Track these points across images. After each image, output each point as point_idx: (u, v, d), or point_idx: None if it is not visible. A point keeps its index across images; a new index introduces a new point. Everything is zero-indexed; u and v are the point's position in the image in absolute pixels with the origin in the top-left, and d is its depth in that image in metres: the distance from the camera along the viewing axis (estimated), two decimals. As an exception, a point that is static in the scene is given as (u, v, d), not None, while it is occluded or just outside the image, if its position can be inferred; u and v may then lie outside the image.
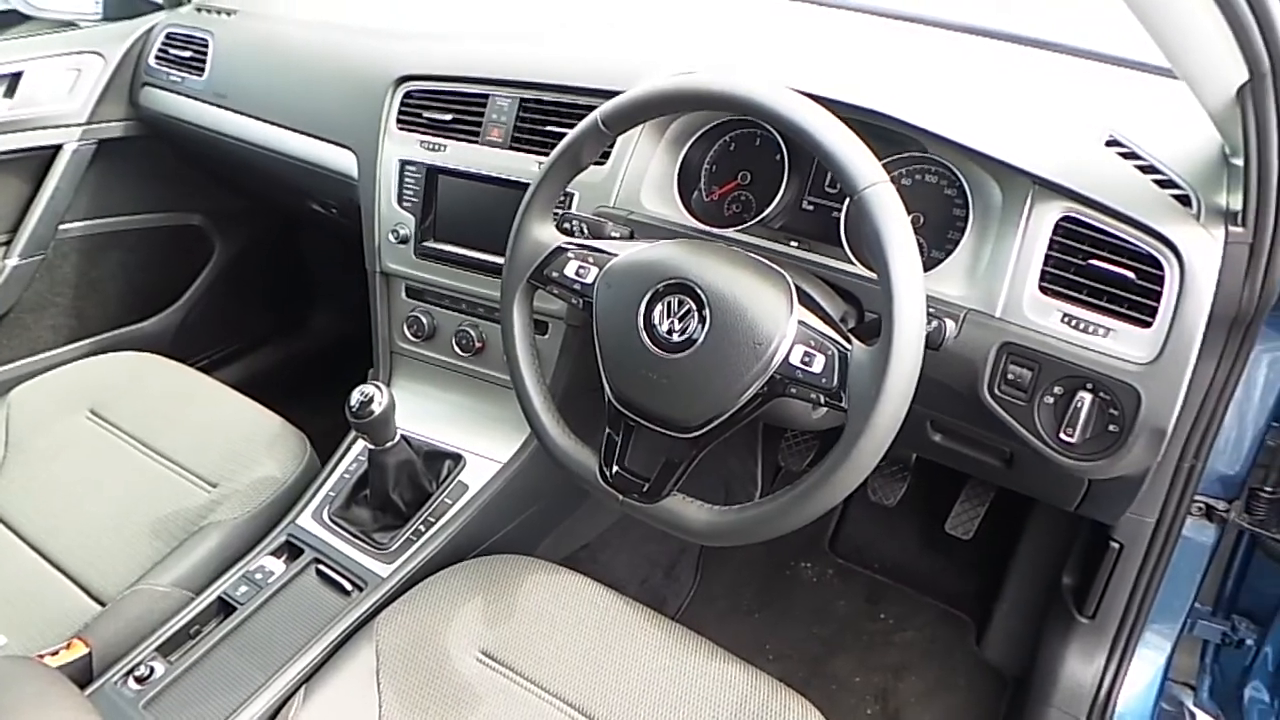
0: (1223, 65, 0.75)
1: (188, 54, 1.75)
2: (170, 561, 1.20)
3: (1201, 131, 0.91)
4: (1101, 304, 0.91)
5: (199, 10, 1.82)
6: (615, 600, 1.11)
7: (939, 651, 1.70)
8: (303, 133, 1.56)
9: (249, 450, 1.37)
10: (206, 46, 1.73)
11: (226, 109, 1.68)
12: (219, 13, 1.77)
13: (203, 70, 1.72)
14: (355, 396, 1.14)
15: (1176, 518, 1.15)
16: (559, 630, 1.07)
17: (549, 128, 1.26)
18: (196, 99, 1.73)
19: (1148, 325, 0.89)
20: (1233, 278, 0.88)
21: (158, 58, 1.81)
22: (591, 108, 0.97)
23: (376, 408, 1.14)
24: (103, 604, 1.17)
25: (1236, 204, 0.88)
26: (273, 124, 1.61)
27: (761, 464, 1.88)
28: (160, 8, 1.89)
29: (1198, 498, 1.20)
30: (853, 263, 1.06)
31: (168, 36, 1.81)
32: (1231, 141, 0.87)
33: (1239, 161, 0.84)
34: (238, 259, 2.17)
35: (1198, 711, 1.45)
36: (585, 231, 1.10)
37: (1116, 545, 1.23)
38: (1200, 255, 0.87)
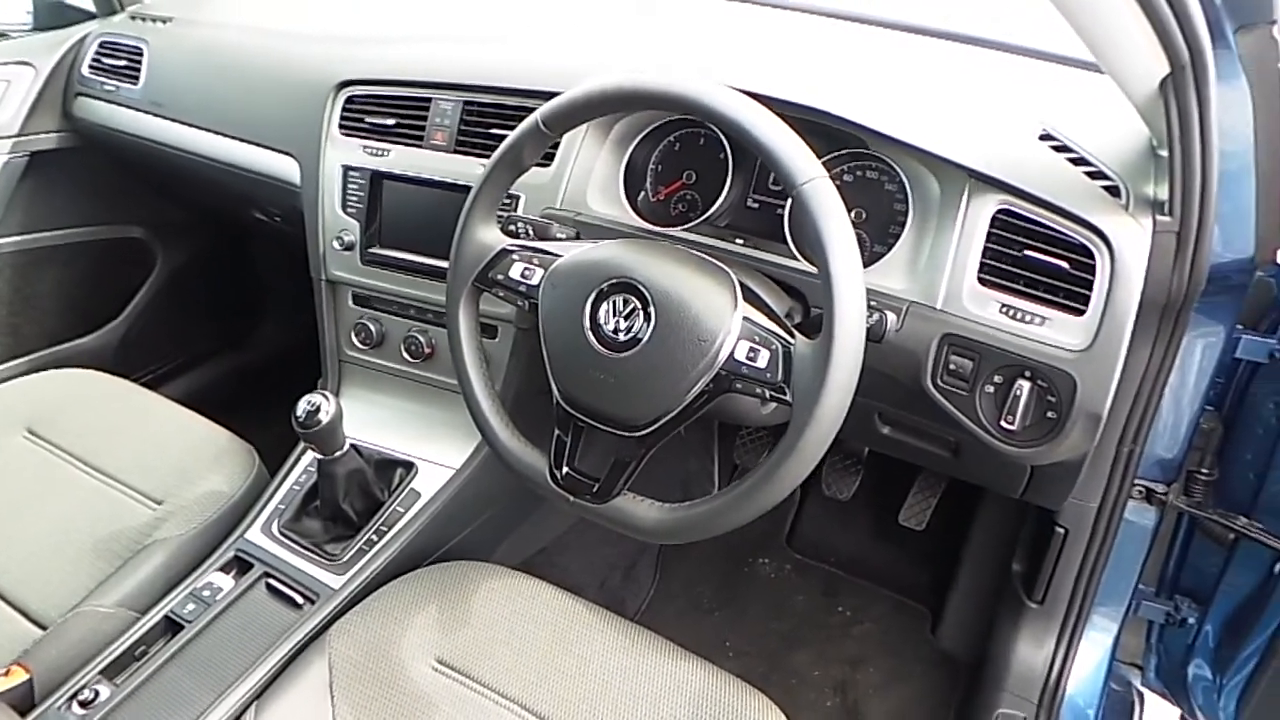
0: (1145, 59, 0.77)
1: (122, 62, 1.72)
2: (114, 581, 1.17)
3: (1129, 124, 0.94)
4: (1037, 294, 0.93)
5: (133, 18, 1.78)
6: (572, 603, 1.11)
7: (895, 642, 1.72)
8: (243, 140, 1.53)
9: (195, 465, 1.34)
10: (141, 54, 1.70)
11: (164, 117, 1.65)
12: (154, 20, 1.73)
13: (138, 79, 1.69)
14: (302, 406, 1.13)
15: (1118, 502, 1.18)
16: (515, 635, 1.07)
17: (493, 130, 1.26)
18: (132, 108, 1.69)
19: (1081, 313, 0.91)
20: (1162, 265, 0.91)
21: (91, 67, 1.77)
22: (535, 109, 0.97)
23: (324, 417, 1.12)
24: (43, 627, 1.13)
25: (1163, 194, 0.90)
26: (212, 132, 1.58)
27: (718, 461, 1.89)
28: (92, 16, 1.85)
29: (1137, 481, 1.23)
30: (797, 259, 1.07)
31: (101, 45, 1.77)
32: (1157, 133, 0.89)
33: (1165, 152, 0.87)
34: (180, 270, 2.13)
35: (1145, 691, 1.48)
36: (531, 233, 1.10)
37: (1062, 531, 1.25)
38: (1130, 244, 0.89)
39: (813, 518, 1.94)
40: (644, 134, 1.21)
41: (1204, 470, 1.24)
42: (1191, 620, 1.34)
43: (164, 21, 1.72)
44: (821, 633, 1.75)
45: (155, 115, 1.66)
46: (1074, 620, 1.33)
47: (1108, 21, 0.72)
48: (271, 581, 1.19)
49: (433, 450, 1.35)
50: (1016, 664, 1.38)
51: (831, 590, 1.84)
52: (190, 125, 1.61)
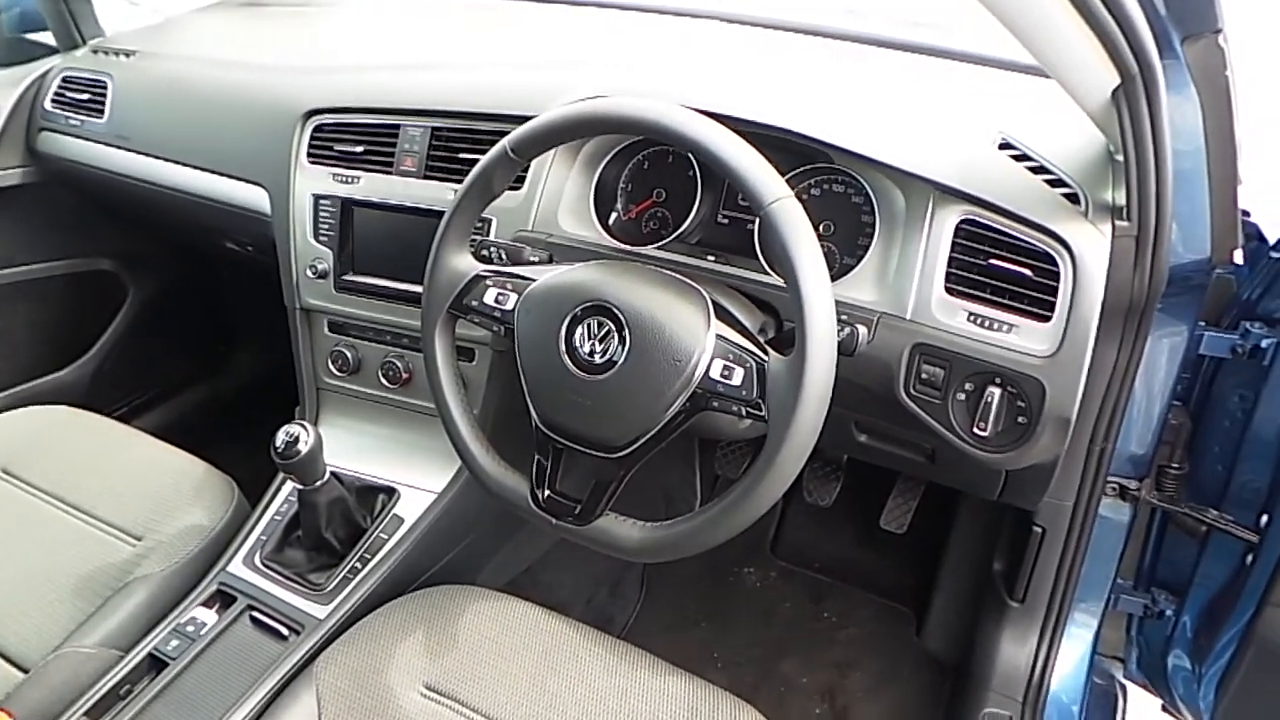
0: (1096, 71, 0.79)
1: (86, 96, 1.71)
2: (95, 621, 1.16)
3: (1086, 130, 0.96)
4: (1004, 301, 0.95)
5: (96, 52, 1.77)
6: (558, 623, 1.12)
7: (882, 645, 1.74)
8: (211, 171, 1.53)
9: (174, 499, 1.33)
10: (106, 88, 1.69)
11: (130, 150, 1.64)
12: (117, 54, 1.73)
13: (103, 112, 1.68)
14: (280, 437, 1.12)
15: (1092, 499, 1.20)
16: (503, 658, 1.07)
17: (462, 155, 1.26)
18: (98, 142, 1.68)
19: (1047, 319, 0.93)
20: (1123, 269, 0.93)
21: (54, 101, 1.75)
22: (504, 133, 0.98)
23: (303, 447, 1.12)
24: (25, 670, 1.12)
25: (1121, 199, 0.93)
26: (180, 164, 1.57)
27: (700, 474, 1.90)
28: (54, 51, 1.84)
29: (1111, 478, 1.25)
30: (768, 273, 1.08)
31: (64, 80, 1.75)
32: (1113, 140, 0.91)
33: (1121, 158, 0.89)
34: (153, 302, 2.11)
35: (1128, 683, 1.51)
36: (504, 258, 1.10)
37: (1039, 530, 1.27)
38: (1090, 250, 0.91)
39: (796, 525, 1.96)
40: (613, 154, 1.22)
41: (1174, 465, 1.26)
42: (1169, 612, 1.37)
43: (127, 55, 1.71)
44: (808, 639, 1.76)
45: (121, 148, 1.65)
46: (1055, 617, 1.35)
47: (1057, 37, 0.74)
48: (256, 614, 1.18)
49: (414, 475, 1.35)
50: (1000, 663, 1.40)
51: (817, 596, 1.85)
52: (157, 158, 1.60)
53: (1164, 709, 1.47)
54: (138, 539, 1.27)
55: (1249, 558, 1.19)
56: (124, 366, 2.08)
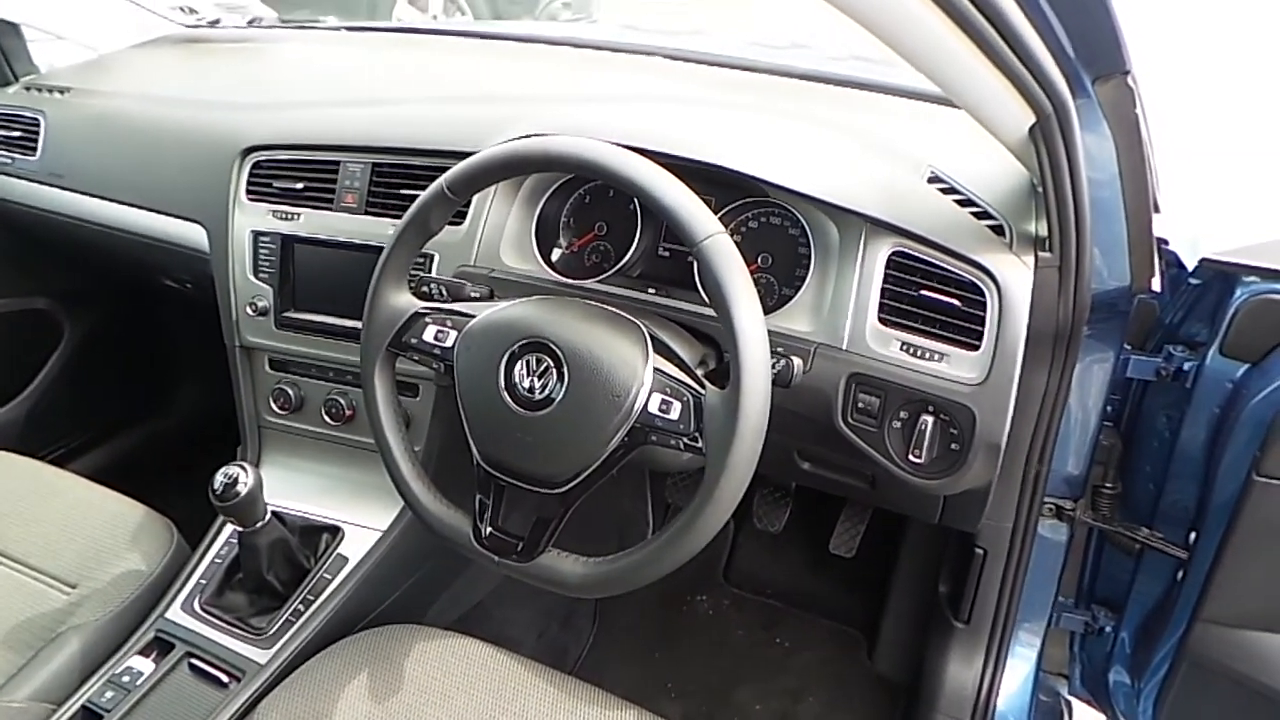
0: (1013, 111, 0.82)
1: (17, 134, 1.68)
2: (26, 673, 1.12)
3: (1012, 164, 0.99)
4: (935, 331, 0.98)
5: (28, 89, 1.74)
6: (507, 660, 1.11)
7: (834, 670, 1.75)
8: (148, 209, 1.51)
9: (110, 543, 1.29)
10: (38, 125, 1.66)
11: (64, 188, 1.61)
12: (50, 91, 1.70)
13: (35, 150, 1.65)
14: (219, 479, 1.11)
15: (1030, 520, 1.22)
16: (450, 698, 1.06)
17: (403, 190, 1.27)
18: (30, 180, 1.65)
19: (976, 348, 0.95)
20: (1047, 298, 0.96)
21: (-15, 138, 1.72)
22: (445, 169, 0.98)
23: (242, 488, 1.10)
24: (-50, 728, 1.09)
25: (1044, 231, 0.96)
26: (116, 201, 1.55)
27: (651, 503, 1.90)
28: (-14, 87, 1.80)
29: (1047, 500, 1.28)
30: (709, 306, 1.09)
31: (-5, 116, 1.72)
32: (1034, 173, 0.95)
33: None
34: (90, 340, 2.07)
35: (1072, 699, 1.53)
36: (445, 294, 1.10)
37: (981, 551, 1.30)
38: (1015, 281, 0.94)
39: (747, 552, 1.96)
40: (554, 188, 1.23)
41: (1108, 485, 1.29)
42: (1108, 629, 1.40)
43: (61, 92, 1.69)
44: (762, 667, 1.76)
45: (55, 186, 1.62)
46: (999, 637, 1.37)
47: (975, 81, 0.77)
48: (195, 661, 1.16)
49: (358, 513, 1.33)
50: (948, 683, 1.41)
51: (770, 623, 1.86)
52: (93, 195, 1.58)
53: (1107, 724, 1.50)
54: (71, 586, 1.24)
55: (1180, 574, 1.23)
56: (59, 408, 2.03)
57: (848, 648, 1.79)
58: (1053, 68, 0.76)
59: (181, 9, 2.01)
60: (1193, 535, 1.19)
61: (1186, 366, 1.13)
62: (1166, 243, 1.11)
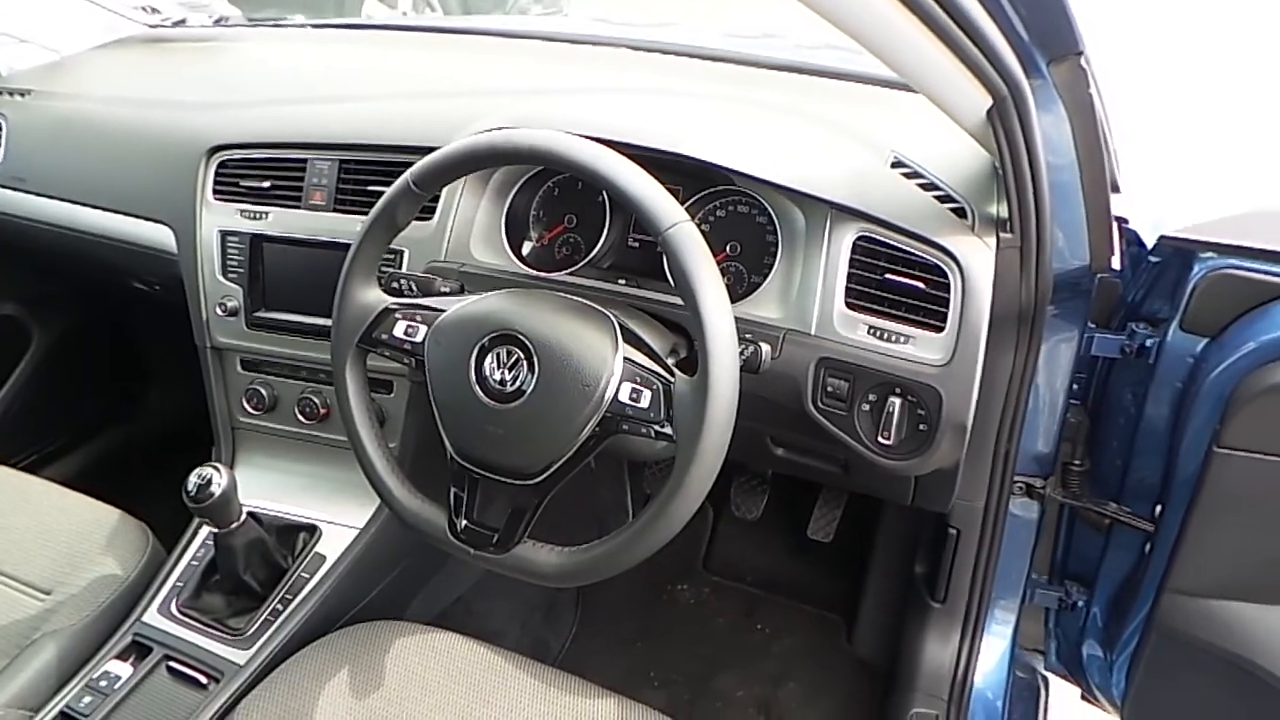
0: (970, 94, 0.83)
1: (-24, 138, 1.66)
2: (3, 680, 1.12)
3: (974, 147, 1.01)
4: (900, 314, 0.99)
5: (-12, 92, 1.72)
6: (488, 653, 1.11)
7: (815, 654, 1.76)
8: (114, 211, 1.49)
9: (85, 548, 1.29)
10: (0, 129, 1.64)
11: (27, 192, 1.60)
12: (11, 94, 1.68)
13: (-4, 154, 1.63)
14: (192, 480, 1.11)
15: (1002, 499, 1.24)
16: (431, 692, 1.06)
17: (371, 187, 1.26)
18: (-8, 184, 1.63)
19: (941, 330, 0.97)
20: (1010, 279, 0.98)
21: (-56, 144, 1.69)
22: (413, 164, 0.98)
23: (216, 489, 1.10)
24: (-74, 738, 1.08)
25: (1006, 212, 0.97)
26: (81, 204, 1.54)
27: (630, 492, 1.90)
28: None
29: (1017, 478, 1.30)
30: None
31: (-46, 121, 1.70)
32: (994, 157, 0.96)
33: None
34: (60, 345, 2.04)
35: (1049, 674, 1.56)
36: (415, 289, 1.10)
37: (954, 531, 1.32)
38: (977, 262, 0.96)
39: (726, 539, 1.98)
40: (523, 181, 1.24)
41: (1076, 461, 1.31)
42: (1081, 603, 1.42)
43: (22, 95, 1.67)
44: (743, 653, 1.77)
45: (18, 190, 1.60)
46: (974, 615, 1.39)
47: (931, 67, 0.78)
48: (173, 664, 1.15)
49: (335, 511, 1.33)
50: (926, 663, 1.43)
51: (750, 609, 1.87)
52: (57, 199, 1.56)
53: (1083, 697, 1.52)
54: (46, 593, 1.23)
55: (1148, 547, 1.25)
56: (30, 414, 2.01)
57: (827, 632, 1.81)
58: (1006, 50, 0.77)
59: (144, 9, 1.98)
60: (1159, 509, 1.21)
61: (1149, 343, 1.15)
62: (1127, 221, 1.13)
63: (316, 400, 1.36)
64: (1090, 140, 0.91)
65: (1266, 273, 1.04)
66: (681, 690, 1.70)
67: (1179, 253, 1.10)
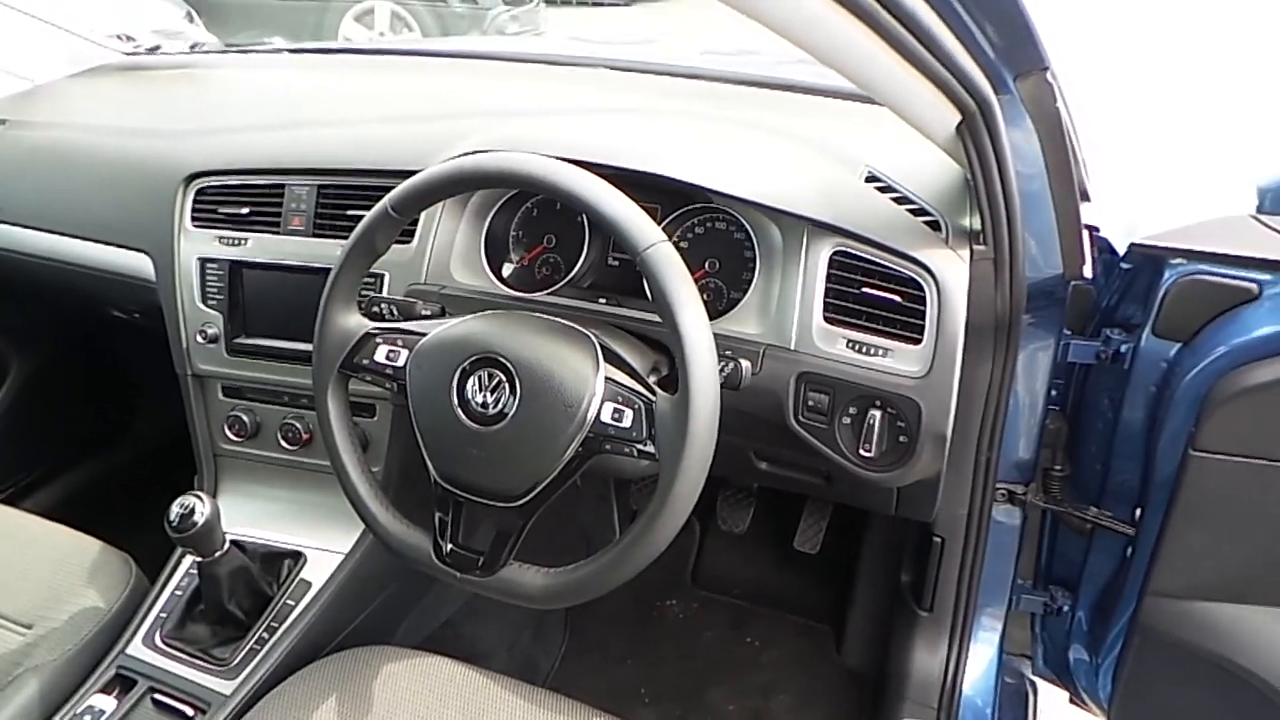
0: (940, 111, 0.85)
1: (-49, 168, 1.64)
2: (-16, 718, 1.11)
3: (946, 160, 1.02)
4: (878, 327, 1.00)
5: (-38, 122, 1.71)
6: (477, 676, 1.11)
7: (804, 666, 1.76)
8: (91, 239, 1.48)
9: (66, 581, 1.27)
10: (-27, 159, 1.63)
11: (2, 222, 1.58)
12: (-14, 123, 1.67)
13: (-30, 184, 1.62)
14: (174, 509, 1.10)
15: (984, 506, 1.25)
16: (420, 717, 1.06)
17: (350, 211, 1.27)
18: (-34, 215, 1.62)
19: (918, 342, 0.98)
20: (984, 289, 0.99)
21: (-82, 174, 1.68)
22: (391, 188, 0.99)
23: (199, 518, 1.09)
24: (-93, 779, 1.06)
25: (979, 224, 0.99)
26: (57, 233, 1.53)
27: (617, 509, 1.90)
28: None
29: (1000, 485, 1.31)
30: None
31: (-72, 152, 1.68)
32: (965, 170, 0.98)
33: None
34: (38, 375, 2.02)
35: (1037, 680, 1.57)
36: (396, 313, 1.10)
37: (939, 539, 1.33)
38: (952, 274, 0.97)
39: (714, 553, 1.98)
40: (501, 203, 1.24)
41: (1057, 467, 1.33)
42: (1066, 608, 1.43)
43: (-2, 124, 1.66)
44: (733, 666, 1.77)
45: (-6, 220, 1.59)
46: (961, 622, 1.40)
47: (900, 85, 0.80)
48: (158, 696, 1.14)
49: (320, 537, 1.32)
50: (915, 672, 1.44)
51: (739, 623, 1.87)
52: (33, 228, 1.55)
53: (1071, 701, 1.53)
54: (27, 627, 1.21)
55: (1129, 550, 1.26)
56: (8, 446, 1.98)
57: (817, 643, 1.81)
58: (973, 67, 0.78)
59: (119, 36, 1.98)
60: (1138, 512, 1.23)
61: (1124, 349, 1.16)
62: (1098, 229, 1.15)
63: (299, 425, 1.36)
64: (1059, 152, 0.93)
65: (1235, 277, 1.06)
66: (673, 706, 1.70)
67: (1150, 259, 1.12)
